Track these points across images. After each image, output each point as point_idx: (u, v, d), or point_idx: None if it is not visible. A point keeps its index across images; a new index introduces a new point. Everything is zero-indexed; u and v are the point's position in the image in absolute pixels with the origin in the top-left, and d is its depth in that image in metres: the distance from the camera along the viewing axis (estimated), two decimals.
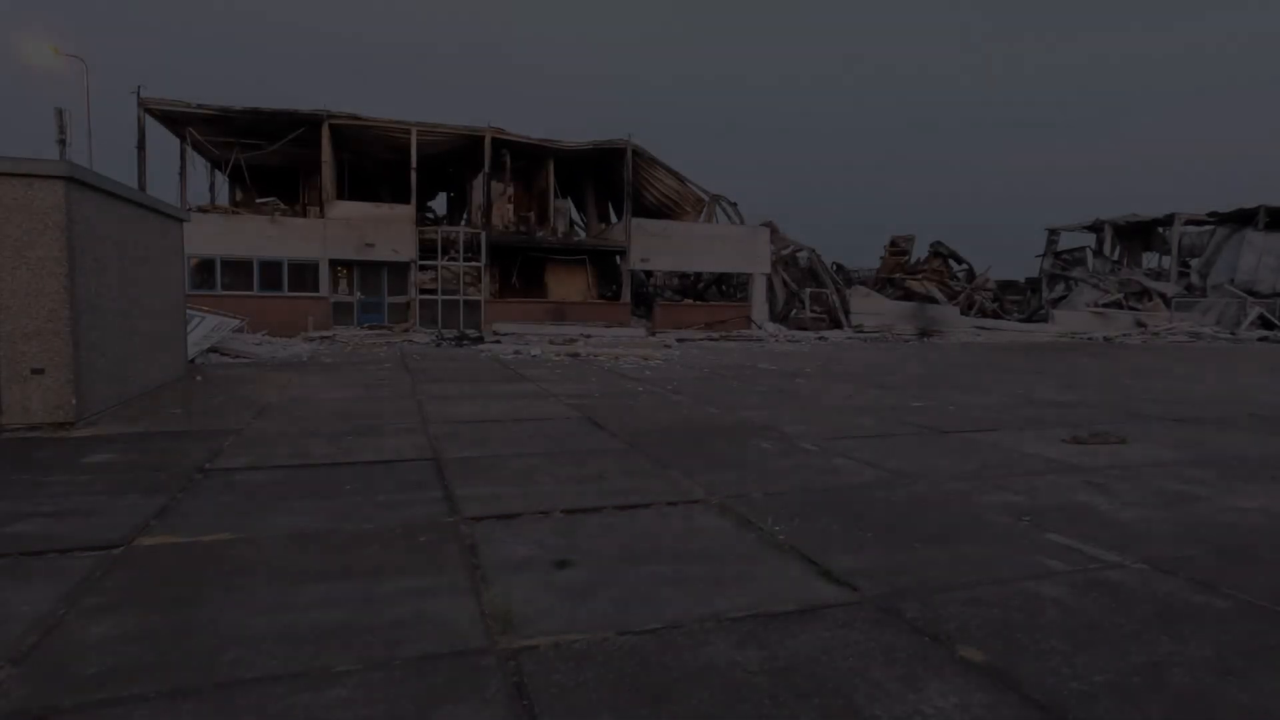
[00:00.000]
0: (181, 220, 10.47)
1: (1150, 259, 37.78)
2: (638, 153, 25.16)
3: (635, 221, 24.96)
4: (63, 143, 18.74)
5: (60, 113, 18.73)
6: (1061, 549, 3.62)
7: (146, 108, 20.73)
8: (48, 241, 6.41)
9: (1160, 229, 36.31)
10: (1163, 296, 31.67)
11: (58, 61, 24.51)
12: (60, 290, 6.46)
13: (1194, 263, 34.05)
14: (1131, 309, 30.85)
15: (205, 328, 13.82)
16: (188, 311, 11.76)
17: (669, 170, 26.62)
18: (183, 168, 23.18)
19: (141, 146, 20.70)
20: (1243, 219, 32.80)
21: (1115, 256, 37.07)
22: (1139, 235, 37.65)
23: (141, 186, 19.66)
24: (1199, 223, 34.55)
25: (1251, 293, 30.51)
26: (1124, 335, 26.30)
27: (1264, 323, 29.09)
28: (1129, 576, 3.27)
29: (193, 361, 11.68)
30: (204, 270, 21.23)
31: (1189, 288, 32.88)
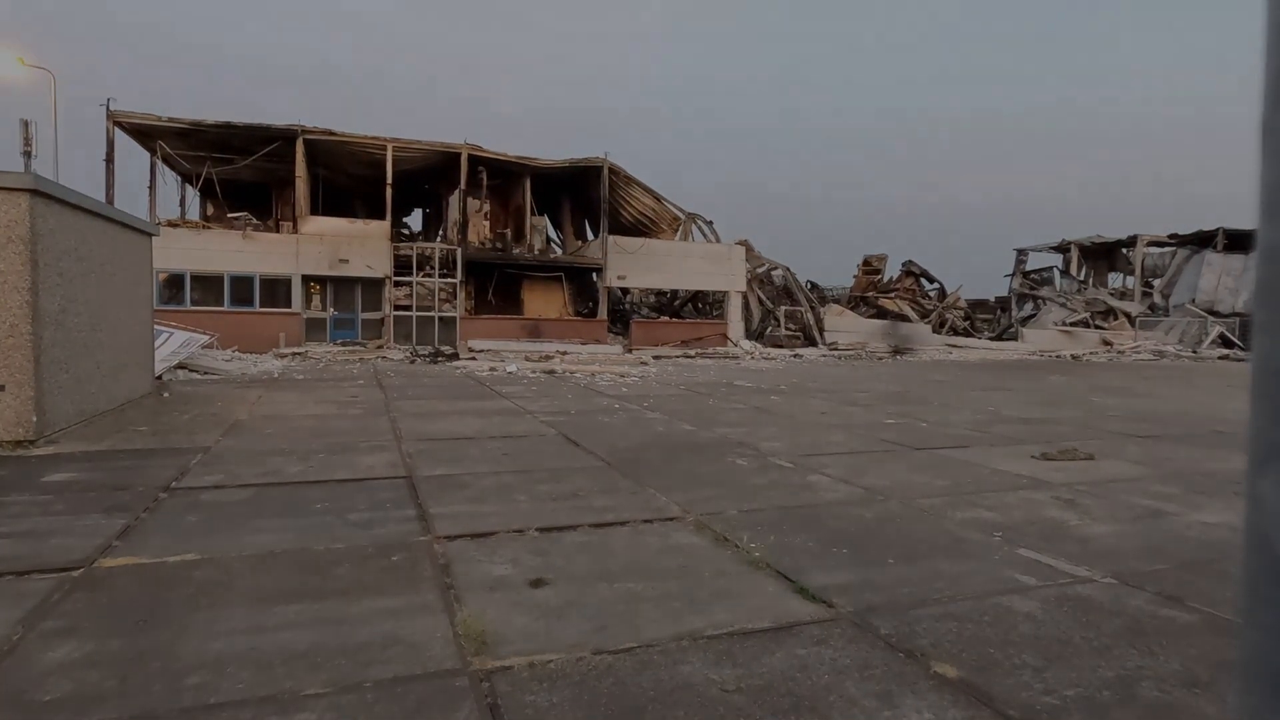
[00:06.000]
0: (150, 234, 10.30)
1: (1115, 279, 38.72)
2: (614, 171, 25.28)
3: (612, 239, 25.02)
4: (28, 155, 18.35)
5: (26, 124, 18.36)
6: (1033, 564, 3.66)
7: (116, 121, 20.42)
8: (10, 255, 6.27)
9: (1124, 250, 37.28)
10: (1127, 315, 32.43)
11: (25, 73, 24.09)
12: (22, 305, 6.31)
13: (1156, 283, 34.96)
14: (1098, 328, 31.53)
15: (174, 343, 13.57)
16: (156, 327, 11.54)
17: (645, 188, 26.77)
18: (152, 181, 22.84)
19: (110, 159, 20.36)
20: (1202, 241, 33.78)
21: (1082, 276, 37.94)
22: (1104, 256, 38.61)
23: (110, 200, 19.32)
24: (1161, 244, 35.53)
25: (1212, 312, 31.36)
26: (1091, 353, 26.85)
27: (1224, 341, 29.88)
28: (1099, 591, 3.32)
29: (160, 378, 11.44)
30: (173, 285, 20.86)
31: (1152, 307, 33.72)
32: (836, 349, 25.75)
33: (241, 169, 23.14)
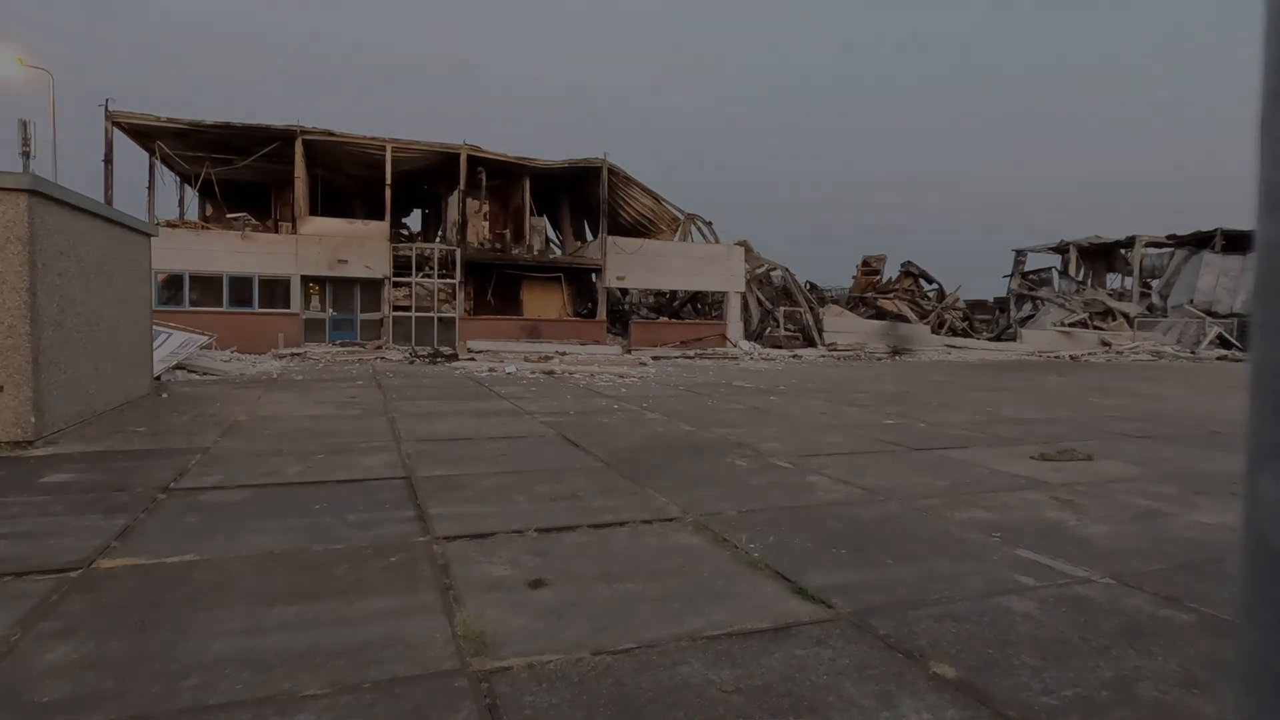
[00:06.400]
0: (149, 235, 10.30)
1: (1114, 279, 38.77)
2: (613, 171, 25.28)
3: (611, 239, 25.02)
4: (26, 155, 18.35)
5: (24, 124, 18.35)
6: (1031, 565, 3.67)
7: (115, 121, 20.40)
8: (9, 255, 6.26)
9: (1122, 250, 37.33)
10: (1126, 316, 32.45)
11: (23, 73, 24.06)
12: (21, 306, 6.30)
13: (1155, 283, 35.01)
14: (1096, 328, 31.55)
15: (172, 344, 13.56)
16: (155, 327, 11.53)
17: (644, 189, 26.78)
18: (151, 182, 22.82)
19: (109, 160, 20.34)
20: (1200, 241, 33.83)
21: (1080, 277, 37.96)
22: (1102, 256, 38.65)
23: (108, 200, 19.31)
24: (1159, 245, 35.57)
25: (1210, 313, 31.39)
26: (1089, 354, 26.87)
27: (1222, 342, 29.92)
28: (1097, 591, 3.32)
29: (159, 379, 11.43)
30: (172, 285, 20.85)
31: (1150, 308, 33.76)
32: (836, 349, 25.76)
33: (240, 169, 23.13)
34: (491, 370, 15.56)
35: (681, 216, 28.29)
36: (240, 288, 21.22)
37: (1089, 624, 2.95)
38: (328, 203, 26.04)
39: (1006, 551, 3.87)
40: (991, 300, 39.36)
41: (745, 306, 27.91)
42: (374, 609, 2.98)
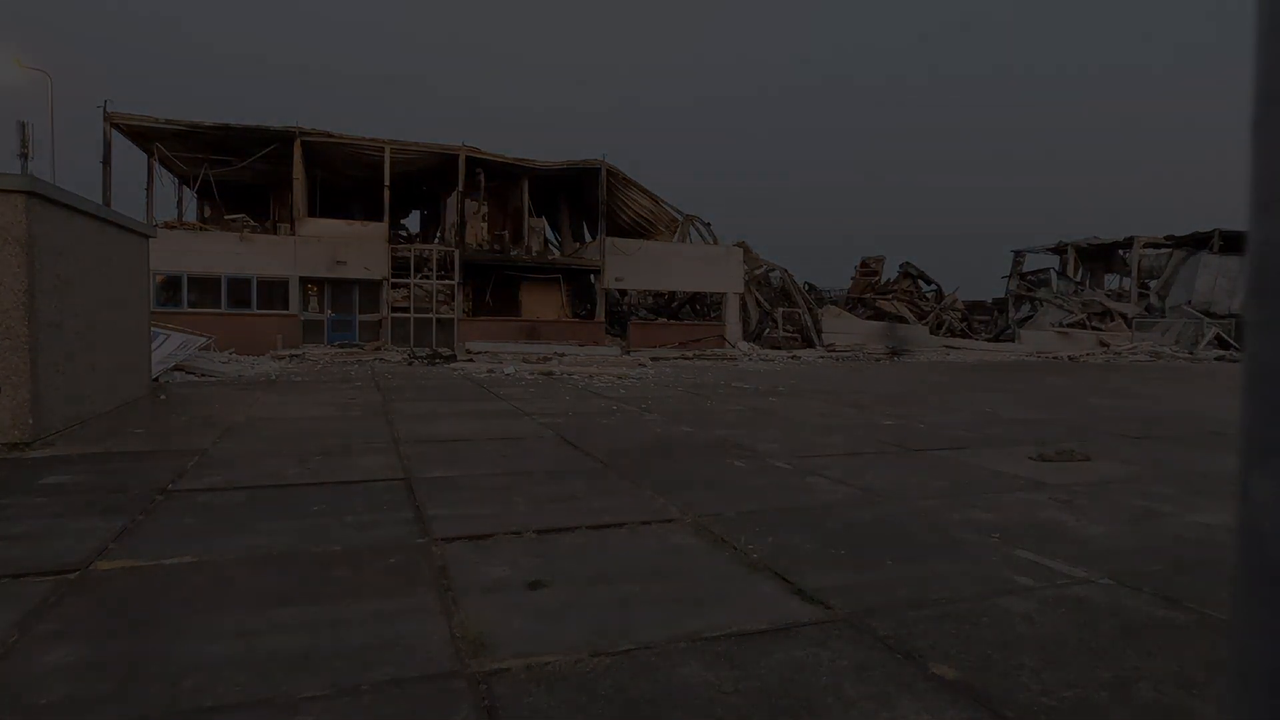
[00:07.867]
0: (147, 236, 10.29)
1: (1112, 280, 38.82)
2: (612, 173, 25.28)
3: (610, 241, 25.02)
4: (24, 156, 18.34)
5: (23, 125, 18.35)
6: (1030, 565, 3.67)
7: (113, 122, 20.38)
8: (7, 257, 6.26)
9: (1120, 251, 37.40)
10: (1124, 317, 32.49)
11: (22, 74, 24.04)
12: (19, 307, 6.29)
13: (1153, 284, 35.05)
14: (1094, 329, 31.58)
15: (170, 345, 13.55)
16: (153, 329, 11.52)
17: (643, 190, 26.78)
18: (149, 183, 22.79)
19: (107, 161, 20.32)
20: (1198, 242, 33.88)
21: (1078, 278, 38.02)
22: (1100, 257, 38.72)
23: (106, 202, 19.29)
24: (1157, 245, 35.63)
25: (1208, 313, 31.43)
26: (1087, 354, 26.90)
27: (1220, 342, 29.95)
28: (1095, 592, 3.33)
29: (157, 380, 11.42)
30: (170, 287, 20.83)
31: (1149, 308, 33.80)
32: (834, 350, 25.76)
33: (239, 170, 23.11)
34: (490, 371, 15.56)
35: (680, 217, 28.30)
36: (239, 289, 21.20)
37: (1088, 625, 2.95)
38: (326, 204, 26.04)
39: (1005, 552, 3.87)
40: (990, 301, 39.39)
41: (744, 307, 27.90)
42: (372, 610, 2.98)
